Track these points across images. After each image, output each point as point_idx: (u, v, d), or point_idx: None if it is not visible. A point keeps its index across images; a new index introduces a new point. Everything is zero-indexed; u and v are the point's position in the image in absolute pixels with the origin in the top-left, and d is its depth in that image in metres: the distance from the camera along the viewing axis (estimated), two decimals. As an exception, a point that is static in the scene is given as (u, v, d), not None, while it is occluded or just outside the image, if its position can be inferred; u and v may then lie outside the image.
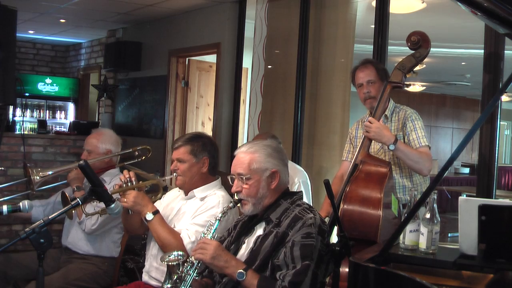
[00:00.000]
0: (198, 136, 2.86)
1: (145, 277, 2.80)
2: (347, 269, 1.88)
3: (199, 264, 2.25)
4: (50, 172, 3.19)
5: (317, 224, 2.17)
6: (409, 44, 2.77)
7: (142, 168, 3.30)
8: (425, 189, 2.95)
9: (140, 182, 2.77)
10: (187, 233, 2.63)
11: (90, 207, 3.06)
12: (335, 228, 2.16)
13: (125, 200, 2.64)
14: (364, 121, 3.08)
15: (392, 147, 2.69)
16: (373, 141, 2.84)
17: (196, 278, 2.27)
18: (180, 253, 2.31)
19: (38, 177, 3.14)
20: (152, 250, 2.79)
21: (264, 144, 2.36)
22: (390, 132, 2.76)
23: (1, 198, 3.27)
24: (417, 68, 2.85)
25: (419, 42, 2.74)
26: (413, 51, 2.78)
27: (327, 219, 2.65)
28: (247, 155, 2.31)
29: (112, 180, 3.33)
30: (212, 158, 2.82)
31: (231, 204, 2.34)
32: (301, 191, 2.44)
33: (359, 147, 2.81)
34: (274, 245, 2.18)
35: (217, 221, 2.32)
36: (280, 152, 2.37)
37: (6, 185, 3.51)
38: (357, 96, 3.06)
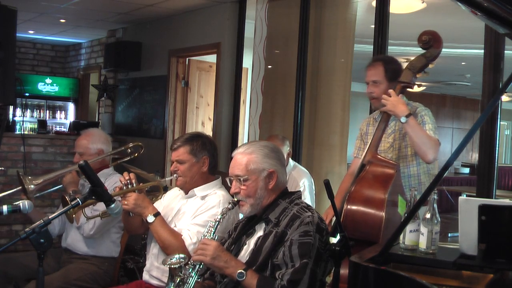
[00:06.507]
0: (197, 136, 2.85)
1: (145, 276, 2.80)
2: (347, 271, 1.88)
3: (201, 266, 2.25)
4: (43, 179, 3.14)
5: (315, 222, 2.18)
6: (420, 43, 2.69)
7: (142, 168, 3.30)
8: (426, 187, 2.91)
9: (141, 183, 2.76)
10: (189, 234, 2.62)
11: (87, 211, 3.02)
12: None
13: (125, 202, 2.63)
14: (375, 118, 3.05)
15: (403, 119, 2.62)
16: (382, 139, 2.79)
17: (198, 280, 2.27)
18: (182, 255, 2.30)
19: (32, 186, 3.08)
20: (153, 250, 2.78)
21: (261, 145, 2.37)
22: (406, 106, 2.69)
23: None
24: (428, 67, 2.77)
25: (430, 42, 2.66)
26: (424, 51, 2.70)
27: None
28: (244, 156, 2.31)
29: (106, 180, 3.29)
30: (212, 157, 2.81)
31: (229, 205, 2.34)
32: (299, 190, 2.44)
33: (368, 145, 2.76)
34: (274, 244, 2.19)
35: (217, 222, 2.32)
36: (277, 152, 2.38)
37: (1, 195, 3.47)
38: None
